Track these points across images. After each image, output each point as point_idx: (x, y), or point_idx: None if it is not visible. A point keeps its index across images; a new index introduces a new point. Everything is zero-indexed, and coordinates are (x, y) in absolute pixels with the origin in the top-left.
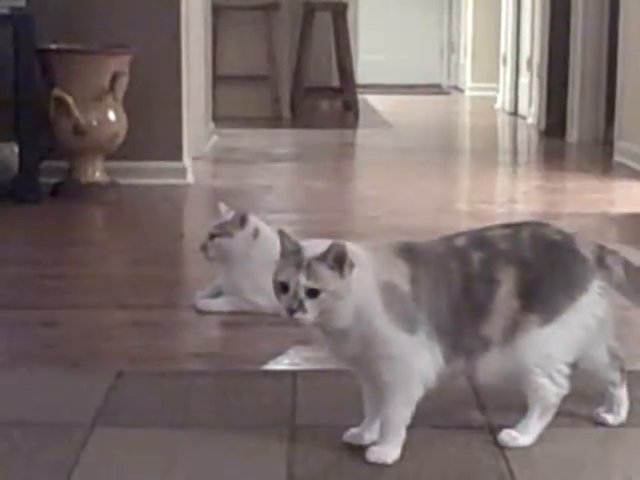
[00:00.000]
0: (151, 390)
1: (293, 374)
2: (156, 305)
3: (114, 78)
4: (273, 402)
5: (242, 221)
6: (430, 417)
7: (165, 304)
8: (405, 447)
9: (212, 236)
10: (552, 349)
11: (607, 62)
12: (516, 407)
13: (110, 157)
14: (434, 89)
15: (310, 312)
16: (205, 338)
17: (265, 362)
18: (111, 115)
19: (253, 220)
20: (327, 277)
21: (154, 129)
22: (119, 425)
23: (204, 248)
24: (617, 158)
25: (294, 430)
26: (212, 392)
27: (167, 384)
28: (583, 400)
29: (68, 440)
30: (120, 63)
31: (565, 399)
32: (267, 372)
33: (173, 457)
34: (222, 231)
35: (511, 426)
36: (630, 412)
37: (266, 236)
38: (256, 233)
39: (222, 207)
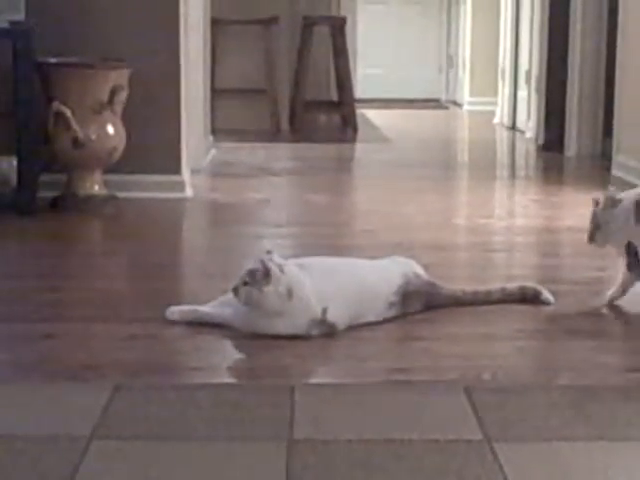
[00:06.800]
0: (149, 403)
1: (291, 388)
2: (154, 318)
3: (113, 92)
4: (271, 416)
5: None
6: (428, 431)
7: (163, 318)
8: (405, 461)
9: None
10: None
11: (605, 77)
12: (514, 421)
13: (109, 170)
14: (432, 104)
15: None
16: (203, 352)
17: (263, 376)
18: (110, 129)
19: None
20: None
21: (153, 143)
22: (116, 438)
23: (236, 290)
24: (615, 172)
25: (292, 444)
26: (210, 405)
27: (165, 397)
28: (581, 413)
29: (65, 453)
30: (119, 77)
31: (564, 412)
32: (265, 386)
33: (171, 470)
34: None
35: (509, 440)
36: (632, 427)
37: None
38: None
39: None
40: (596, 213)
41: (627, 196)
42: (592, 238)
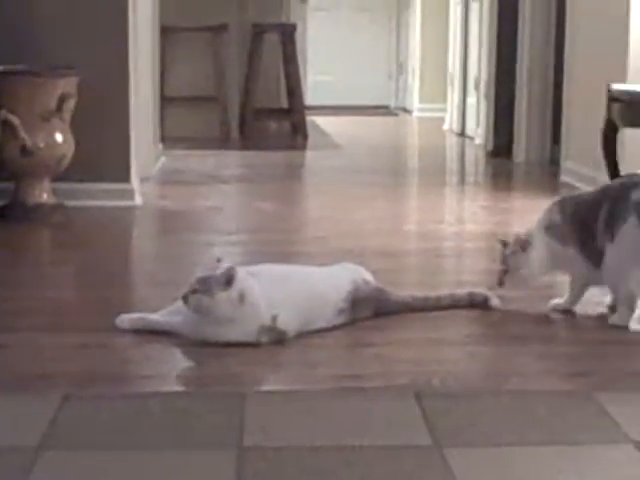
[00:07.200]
0: (98, 413)
1: (241, 395)
2: (104, 327)
3: (61, 99)
4: (221, 424)
5: (228, 281)
6: (378, 437)
7: (113, 326)
8: (355, 468)
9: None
10: None
11: (553, 83)
12: (464, 426)
13: (57, 179)
14: (382, 110)
15: None
16: (153, 360)
17: (213, 384)
18: (58, 136)
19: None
20: None
21: (101, 150)
22: (65, 448)
23: (186, 298)
24: (563, 178)
25: (242, 451)
26: (160, 414)
27: (115, 406)
28: (531, 418)
29: (14, 464)
30: (67, 84)
31: (514, 417)
32: (215, 393)
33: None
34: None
35: (459, 446)
36: (581, 431)
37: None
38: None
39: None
40: (505, 257)
41: (535, 233)
42: (501, 282)
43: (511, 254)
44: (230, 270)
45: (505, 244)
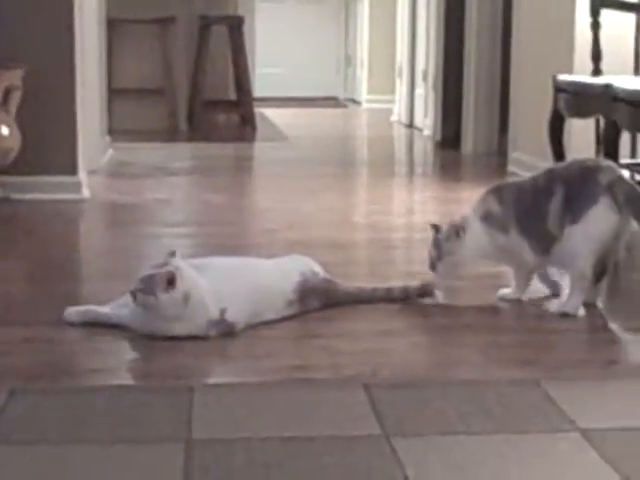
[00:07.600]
0: (45, 407)
1: (190, 388)
2: (51, 321)
3: (7, 92)
4: (170, 417)
5: (170, 282)
6: (327, 428)
7: (60, 320)
8: (304, 458)
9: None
10: None
11: (500, 75)
12: (412, 416)
13: (4, 172)
14: (331, 102)
15: None
16: (101, 353)
17: (162, 377)
18: (4, 129)
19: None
20: None
21: (48, 143)
22: (12, 443)
23: (134, 295)
24: (511, 168)
25: (191, 445)
26: (108, 408)
27: (62, 400)
28: (477, 407)
29: None
30: (13, 77)
31: (461, 407)
32: (164, 387)
33: (68, 474)
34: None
35: (407, 435)
36: (527, 420)
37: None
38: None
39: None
40: (439, 242)
41: (470, 222)
42: (433, 267)
43: (445, 239)
44: (170, 274)
45: (437, 229)
